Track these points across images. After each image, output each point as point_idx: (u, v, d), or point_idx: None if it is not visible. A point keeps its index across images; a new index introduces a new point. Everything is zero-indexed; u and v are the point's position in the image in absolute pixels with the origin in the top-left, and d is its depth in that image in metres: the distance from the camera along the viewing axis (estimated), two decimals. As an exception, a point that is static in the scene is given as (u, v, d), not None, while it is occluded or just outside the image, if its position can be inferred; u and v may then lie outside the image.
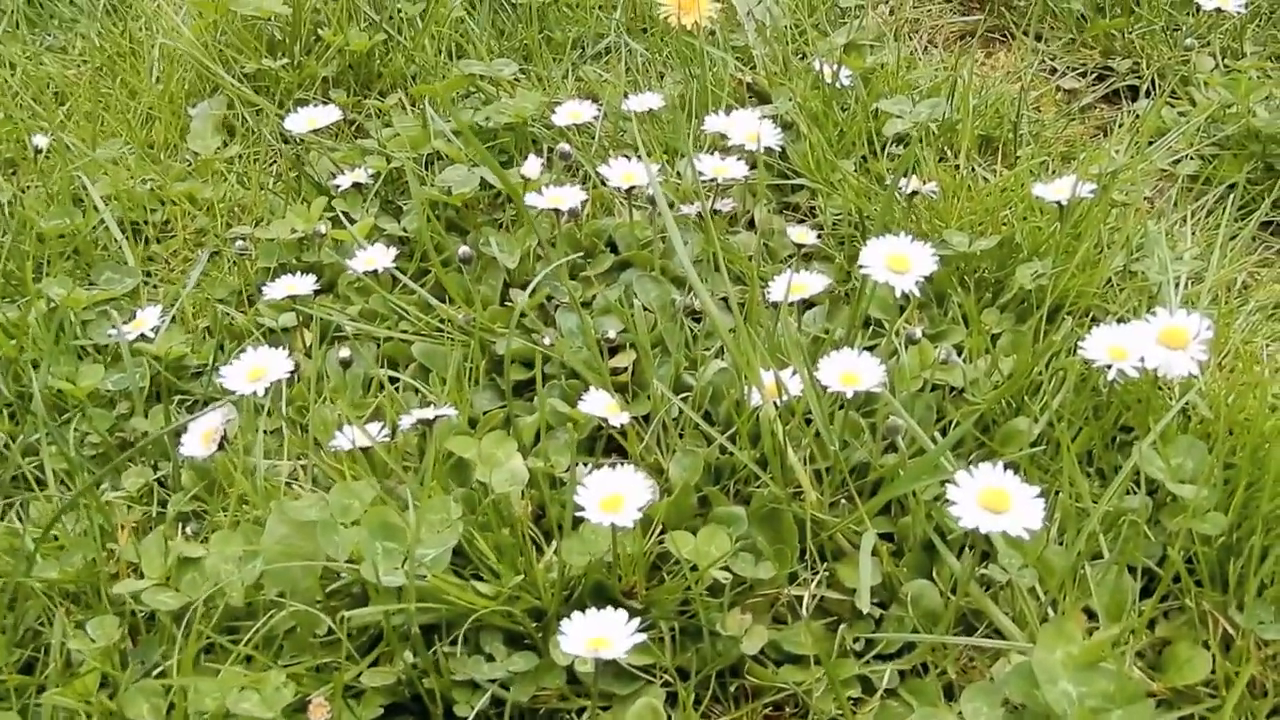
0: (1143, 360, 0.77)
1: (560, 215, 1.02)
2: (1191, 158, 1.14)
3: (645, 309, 0.99)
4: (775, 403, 0.85)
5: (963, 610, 0.78)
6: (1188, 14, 1.39)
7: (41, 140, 1.24)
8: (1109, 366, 0.81)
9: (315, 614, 0.72)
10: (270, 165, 1.27)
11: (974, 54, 1.32)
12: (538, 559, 0.79)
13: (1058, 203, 0.97)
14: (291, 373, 0.90)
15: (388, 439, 0.84)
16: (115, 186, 1.18)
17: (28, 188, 1.24)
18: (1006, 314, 0.98)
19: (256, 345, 0.90)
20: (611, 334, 0.92)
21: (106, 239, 1.15)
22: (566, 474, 0.82)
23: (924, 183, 1.05)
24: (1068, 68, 1.38)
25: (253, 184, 1.21)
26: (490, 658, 0.74)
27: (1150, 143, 1.16)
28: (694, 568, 0.76)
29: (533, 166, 1.01)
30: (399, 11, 1.40)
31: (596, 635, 0.65)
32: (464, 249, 0.98)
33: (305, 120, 1.17)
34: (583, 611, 0.69)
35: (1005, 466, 0.69)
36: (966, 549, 0.79)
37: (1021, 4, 1.49)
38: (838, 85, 1.21)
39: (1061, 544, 0.78)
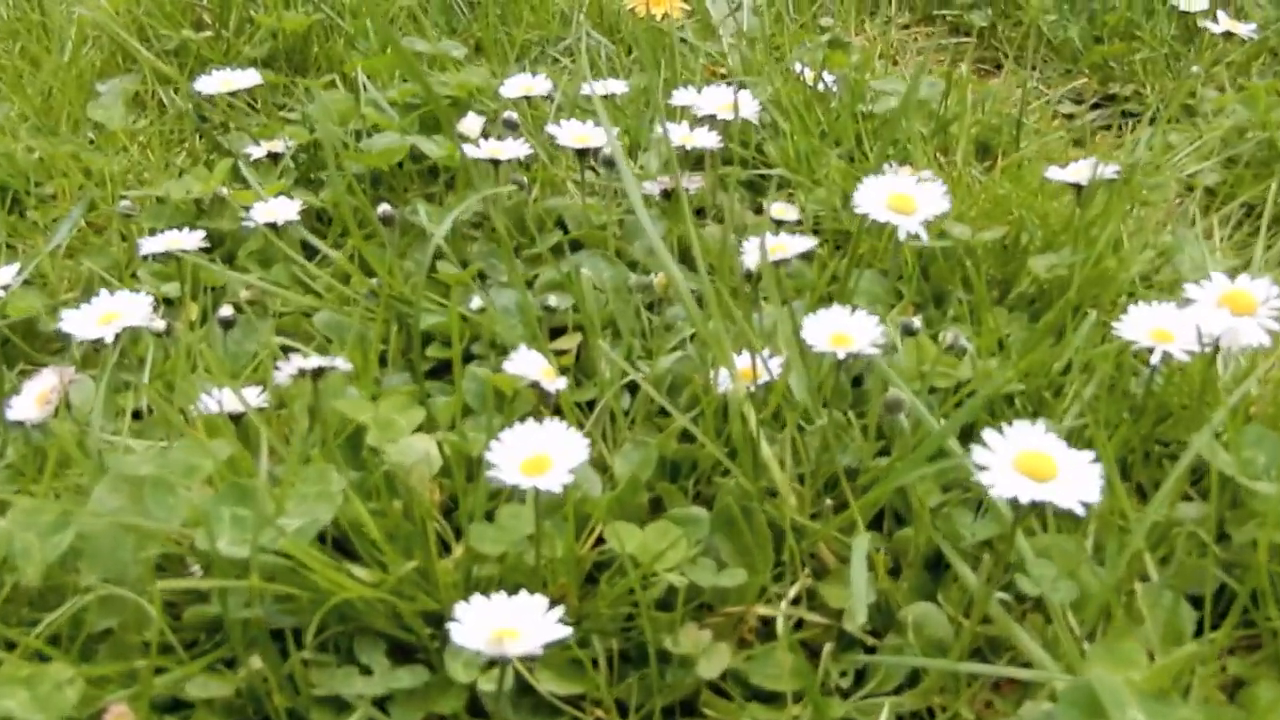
0: (1199, 333, 0.63)
1: (498, 168, 0.87)
2: (1211, 170, 1.03)
3: (596, 289, 0.84)
4: (749, 386, 0.69)
5: (978, 639, 0.62)
6: (1189, 47, 1.30)
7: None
8: (1151, 351, 0.67)
9: (133, 600, 0.54)
10: (180, 143, 1.12)
11: (967, 67, 1.21)
12: (442, 555, 0.62)
13: (1075, 185, 0.84)
14: (162, 333, 0.74)
15: (267, 408, 0.68)
16: (-8, 148, 1.03)
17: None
18: (1016, 313, 0.84)
19: (114, 291, 0.74)
20: (553, 301, 0.76)
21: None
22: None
23: (917, 173, 0.92)
24: (1064, 96, 1.28)
25: (155, 156, 1.06)
26: (367, 670, 0.56)
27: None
28: (643, 574, 0.59)
29: (472, 123, 0.87)
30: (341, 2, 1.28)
31: (503, 625, 0.47)
32: (385, 208, 0.83)
33: (220, 82, 1.02)
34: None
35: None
36: (981, 563, 0.63)
37: (1013, 35, 1.40)
38: (820, 85, 1.09)
39: (1101, 564, 0.62)
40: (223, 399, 0.65)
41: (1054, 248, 0.86)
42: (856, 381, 0.78)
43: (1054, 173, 0.86)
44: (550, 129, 0.89)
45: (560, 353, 0.79)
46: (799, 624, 0.64)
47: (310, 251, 0.89)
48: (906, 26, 1.46)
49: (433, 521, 0.62)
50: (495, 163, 0.85)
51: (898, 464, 0.64)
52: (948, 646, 0.61)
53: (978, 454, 0.50)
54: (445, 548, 0.64)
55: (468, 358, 0.80)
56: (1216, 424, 0.59)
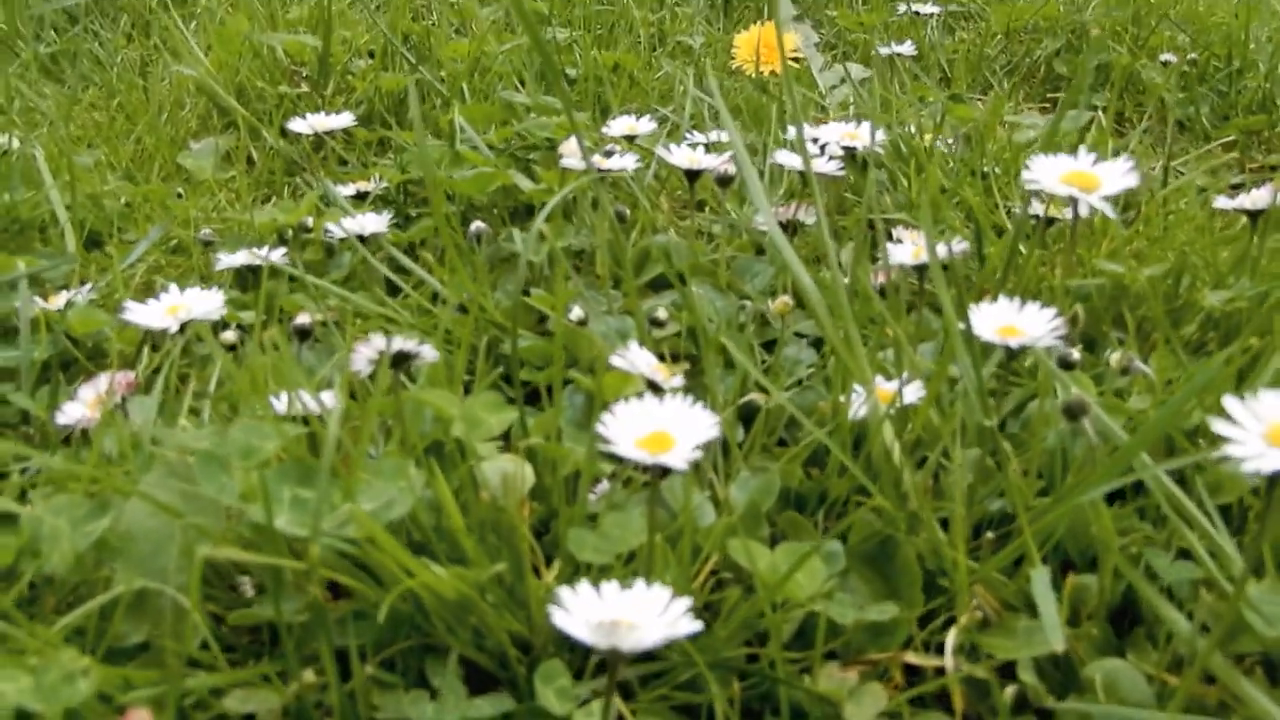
0: None
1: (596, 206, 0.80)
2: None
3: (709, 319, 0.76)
4: (888, 409, 0.60)
5: (1193, 701, 0.49)
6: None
7: (6, 139, 1.07)
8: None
9: (171, 601, 0.45)
10: (269, 190, 1.09)
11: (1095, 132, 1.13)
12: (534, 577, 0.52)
13: (1250, 213, 0.74)
14: (232, 346, 0.67)
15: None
16: (80, 189, 0.99)
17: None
18: (1185, 357, 0.73)
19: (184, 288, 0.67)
20: (662, 313, 0.68)
21: (55, 235, 0.95)
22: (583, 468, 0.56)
23: (1060, 211, 0.83)
24: (1202, 171, 1.20)
25: (242, 198, 1.02)
26: (437, 694, 0.46)
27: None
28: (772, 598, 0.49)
29: (572, 147, 0.81)
30: (438, 64, 1.26)
31: (617, 614, 0.37)
32: (478, 224, 0.76)
33: (313, 123, 0.99)
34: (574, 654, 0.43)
35: None
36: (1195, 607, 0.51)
37: (1134, 115, 1.33)
38: (940, 141, 1.02)
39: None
40: (291, 399, 0.57)
41: (1224, 286, 0.76)
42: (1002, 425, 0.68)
43: (1223, 201, 0.76)
44: (659, 150, 0.83)
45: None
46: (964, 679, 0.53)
47: (393, 289, 0.83)
48: (1017, 110, 1.40)
49: (525, 537, 0.53)
50: (603, 174, 0.79)
51: (1077, 484, 0.53)
52: (1148, 708, 0.49)
53: (1219, 426, 0.40)
54: (535, 572, 0.55)
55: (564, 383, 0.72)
56: None
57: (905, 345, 0.58)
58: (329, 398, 0.59)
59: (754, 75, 1.10)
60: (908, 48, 1.29)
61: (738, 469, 0.64)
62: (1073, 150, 0.78)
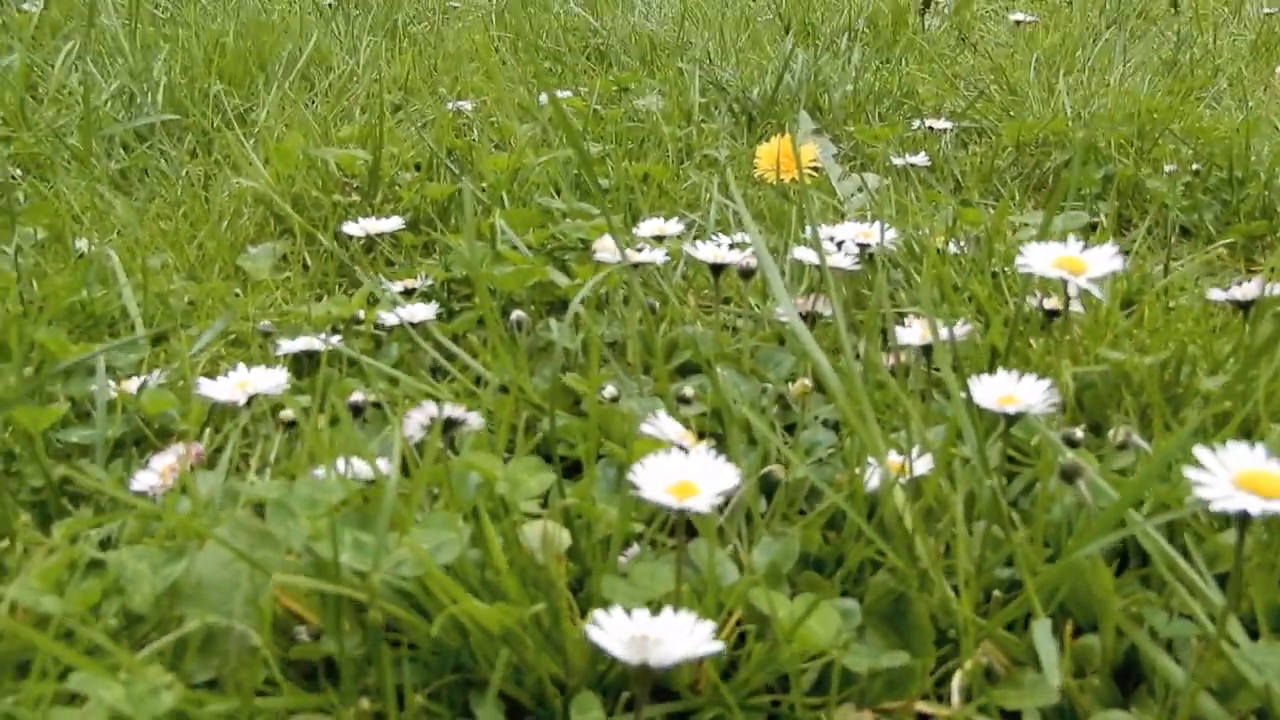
0: None
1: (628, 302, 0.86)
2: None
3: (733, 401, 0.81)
4: (900, 479, 0.64)
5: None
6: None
7: (83, 245, 1.15)
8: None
9: (239, 636, 0.50)
10: (323, 289, 1.16)
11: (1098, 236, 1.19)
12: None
13: (1239, 305, 0.79)
14: (290, 423, 0.73)
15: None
16: (150, 287, 1.07)
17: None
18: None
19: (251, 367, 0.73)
20: (689, 391, 0.73)
21: (124, 328, 1.03)
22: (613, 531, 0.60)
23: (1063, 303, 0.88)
24: (1205, 274, 1.25)
25: (298, 295, 1.10)
26: (481, 727, 0.50)
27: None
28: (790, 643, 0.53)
29: (606, 244, 0.88)
30: (480, 175, 1.34)
31: (647, 632, 0.42)
32: (518, 313, 0.82)
33: (364, 226, 1.07)
34: (623, 692, 0.47)
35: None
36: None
37: (1139, 221, 1.39)
38: (950, 244, 1.08)
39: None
40: (348, 464, 0.62)
41: (1221, 371, 0.80)
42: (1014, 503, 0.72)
43: (1216, 294, 0.81)
44: (685, 247, 0.89)
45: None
46: (970, 729, 0.56)
47: (439, 373, 0.89)
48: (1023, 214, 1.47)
49: (561, 587, 0.57)
50: (635, 266, 0.85)
51: (1076, 541, 0.57)
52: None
53: (1190, 473, 0.44)
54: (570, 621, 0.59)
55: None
56: None
57: (915, 415, 0.63)
58: (384, 464, 0.65)
59: (774, 183, 1.17)
60: (921, 158, 1.37)
61: (760, 535, 0.68)
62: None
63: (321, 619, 0.53)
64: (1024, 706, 0.55)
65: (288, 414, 0.76)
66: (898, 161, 1.36)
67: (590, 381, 0.72)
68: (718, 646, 0.42)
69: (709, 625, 0.44)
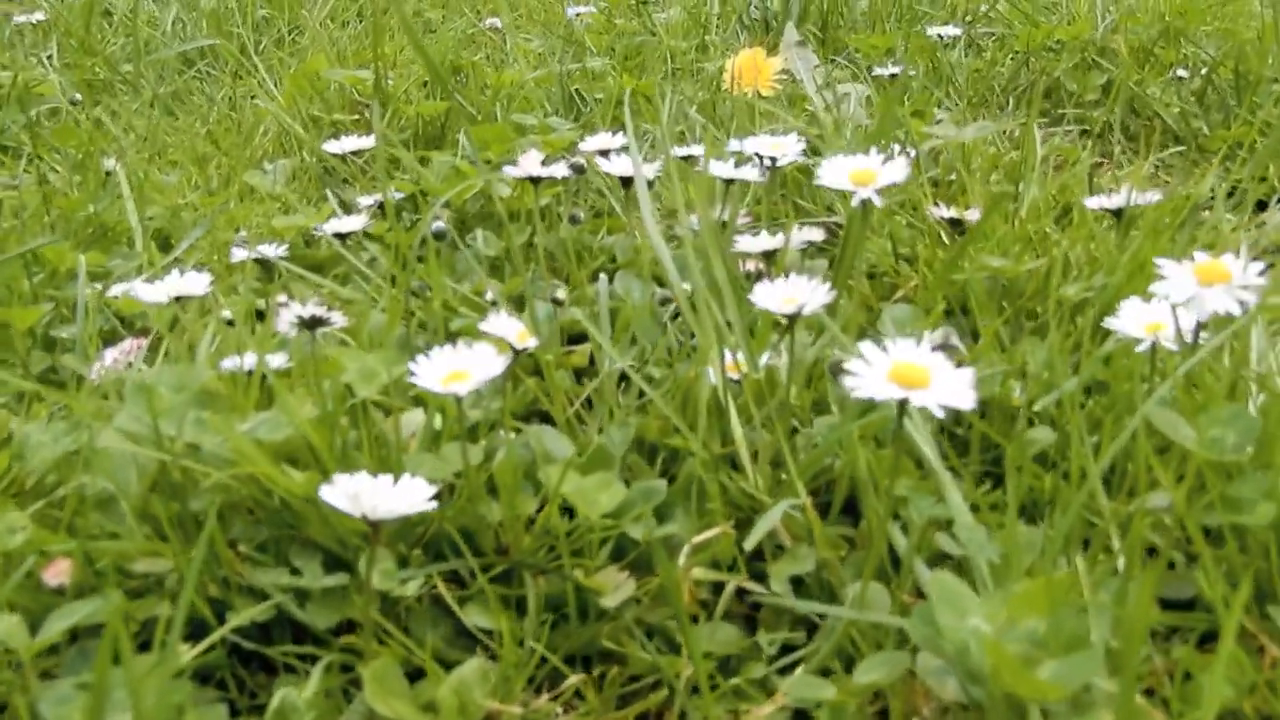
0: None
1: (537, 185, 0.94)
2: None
3: (623, 302, 0.88)
4: (731, 376, 0.71)
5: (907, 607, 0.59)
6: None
7: (110, 163, 1.28)
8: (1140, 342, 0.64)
9: (106, 488, 0.61)
10: (316, 201, 1.27)
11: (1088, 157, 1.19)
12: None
13: (1112, 211, 0.82)
14: (230, 321, 0.84)
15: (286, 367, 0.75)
16: (162, 201, 1.20)
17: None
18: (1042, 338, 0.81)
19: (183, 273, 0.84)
20: (560, 294, 0.81)
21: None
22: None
23: (966, 209, 0.92)
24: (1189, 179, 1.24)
25: (289, 207, 1.20)
26: (297, 572, 0.60)
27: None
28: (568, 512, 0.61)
29: (530, 160, 0.95)
30: (481, 90, 1.42)
31: (369, 503, 0.51)
32: (438, 224, 0.91)
33: (345, 144, 1.16)
34: (425, 552, 0.56)
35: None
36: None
37: (1140, 131, 1.37)
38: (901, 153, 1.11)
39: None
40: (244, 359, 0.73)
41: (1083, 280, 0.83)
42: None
43: (1092, 201, 0.84)
44: (600, 161, 0.96)
45: (569, 352, 0.83)
46: (744, 598, 0.64)
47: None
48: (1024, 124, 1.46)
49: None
50: (534, 180, 0.92)
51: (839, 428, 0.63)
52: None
53: (851, 363, 0.50)
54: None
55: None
56: (1171, 383, 0.56)
57: (736, 315, 0.69)
58: (279, 359, 0.75)
59: (739, 95, 1.21)
60: (898, 69, 1.38)
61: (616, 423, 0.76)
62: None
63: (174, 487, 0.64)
64: (776, 573, 0.62)
65: (226, 314, 0.87)
66: (881, 72, 1.37)
67: (477, 287, 0.81)
68: (431, 505, 0.51)
69: (431, 488, 0.52)
